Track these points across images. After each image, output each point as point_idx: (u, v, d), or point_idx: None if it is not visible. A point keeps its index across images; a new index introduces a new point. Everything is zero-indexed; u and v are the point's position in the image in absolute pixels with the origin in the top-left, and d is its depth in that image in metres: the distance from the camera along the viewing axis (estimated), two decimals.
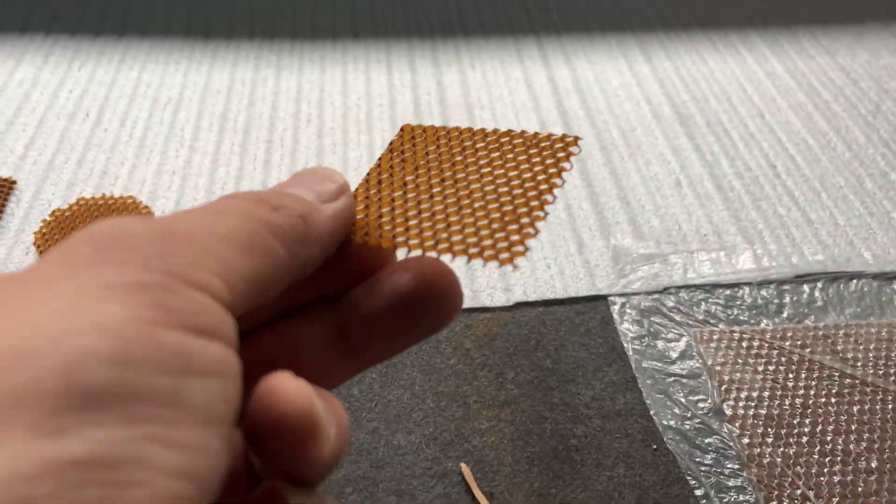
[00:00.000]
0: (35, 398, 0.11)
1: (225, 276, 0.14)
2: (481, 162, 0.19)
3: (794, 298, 0.36)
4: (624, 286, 0.36)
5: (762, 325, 0.35)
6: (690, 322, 0.35)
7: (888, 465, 0.29)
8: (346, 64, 0.51)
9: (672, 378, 0.32)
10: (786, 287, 0.36)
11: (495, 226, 0.16)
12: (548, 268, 0.37)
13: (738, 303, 0.36)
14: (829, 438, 0.30)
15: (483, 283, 0.36)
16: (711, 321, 0.35)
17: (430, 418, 0.31)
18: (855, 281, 0.37)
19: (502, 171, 0.18)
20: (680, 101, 0.48)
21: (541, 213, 0.16)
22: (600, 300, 0.36)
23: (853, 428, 0.30)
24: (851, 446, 0.30)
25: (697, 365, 0.33)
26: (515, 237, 0.15)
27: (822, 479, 0.28)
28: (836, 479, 0.29)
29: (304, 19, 0.56)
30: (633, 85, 0.50)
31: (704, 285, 0.36)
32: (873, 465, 0.29)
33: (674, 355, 0.33)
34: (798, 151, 0.45)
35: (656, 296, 0.36)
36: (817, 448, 0.30)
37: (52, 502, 0.11)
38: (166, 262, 0.13)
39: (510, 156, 0.18)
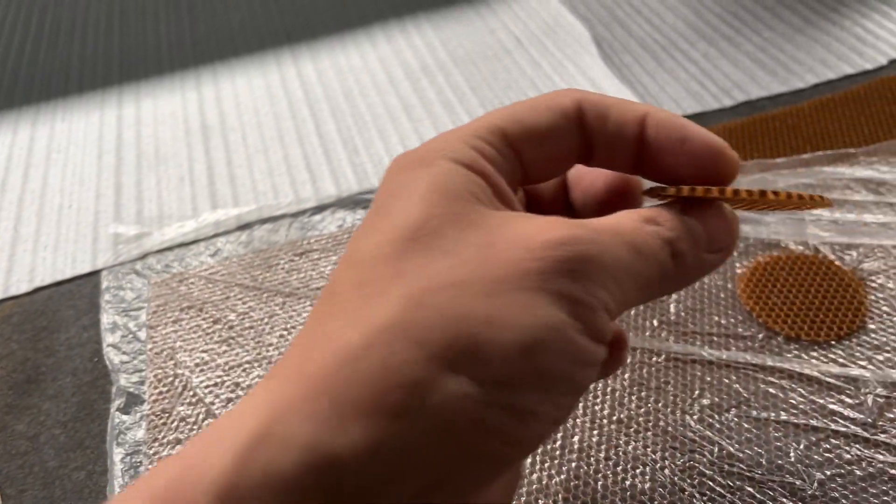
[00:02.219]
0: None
1: (619, 302, 0.20)
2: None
3: (230, 241, 0.52)
4: (114, 260, 0.51)
5: (204, 266, 0.50)
6: (153, 274, 0.50)
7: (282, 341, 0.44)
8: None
9: (123, 313, 0.47)
10: (226, 238, 0.52)
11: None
12: (62, 254, 0.52)
13: (190, 254, 0.51)
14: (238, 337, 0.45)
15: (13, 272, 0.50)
16: (168, 271, 0.50)
17: None
18: (284, 221, 0.53)
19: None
20: (206, 118, 0.64)
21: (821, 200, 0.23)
22: (96, 274, 0.51)
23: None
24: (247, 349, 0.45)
25: (146, 305, 0.48)
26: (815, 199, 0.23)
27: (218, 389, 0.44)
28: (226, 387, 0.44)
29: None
30: (179, 109, 0.65)
31: (172, 247, 0.52)
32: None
33: (130, 298, 0.48)
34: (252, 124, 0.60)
35: (137, 262, 0.51)
36: (224, 350, 0.45)
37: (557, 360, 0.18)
38: (594, 288, 0.19)
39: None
